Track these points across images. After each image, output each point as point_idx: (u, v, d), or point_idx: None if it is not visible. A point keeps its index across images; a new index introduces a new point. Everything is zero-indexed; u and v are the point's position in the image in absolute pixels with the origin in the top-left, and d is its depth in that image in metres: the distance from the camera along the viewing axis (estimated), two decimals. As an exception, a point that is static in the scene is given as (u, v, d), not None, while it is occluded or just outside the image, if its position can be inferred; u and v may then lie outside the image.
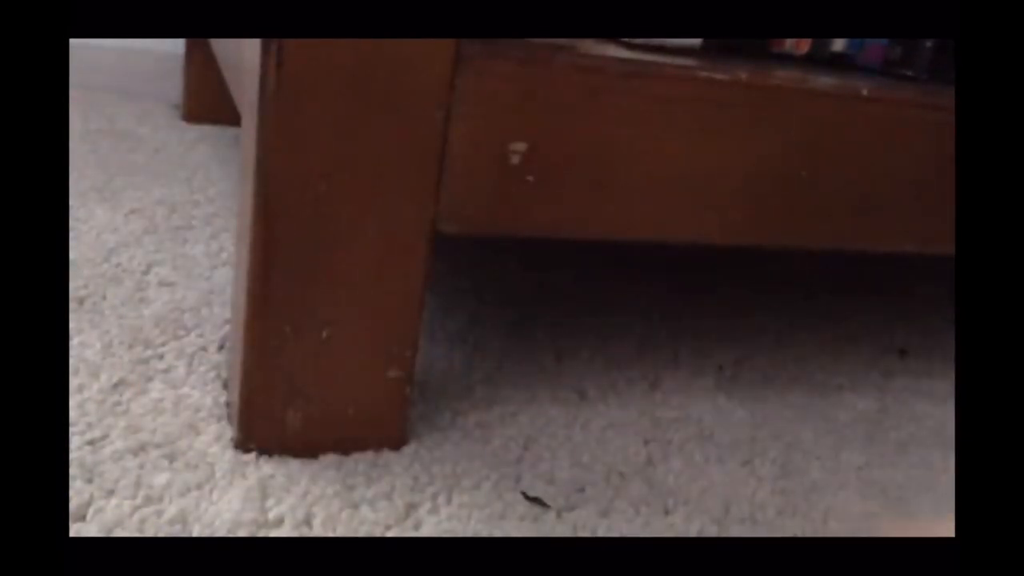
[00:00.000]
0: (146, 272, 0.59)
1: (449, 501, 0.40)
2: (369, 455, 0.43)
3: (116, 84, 1.06)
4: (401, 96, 0.37)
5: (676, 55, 0.45)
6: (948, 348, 0.68)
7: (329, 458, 0.42)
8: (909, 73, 0.63)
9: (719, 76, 0.41)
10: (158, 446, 0.40)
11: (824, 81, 0.44)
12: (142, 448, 0.40)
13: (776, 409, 0.54)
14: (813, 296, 0.75)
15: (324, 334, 0.40)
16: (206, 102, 0.98)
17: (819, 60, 0.59)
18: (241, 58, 0.42)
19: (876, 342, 0.67)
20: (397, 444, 0.44)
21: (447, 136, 0.38)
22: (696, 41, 0.47)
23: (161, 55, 1.07)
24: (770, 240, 0.46)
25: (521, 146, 0.40)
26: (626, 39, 0.46)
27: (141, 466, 0.39)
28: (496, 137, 0.39)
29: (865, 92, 0.44)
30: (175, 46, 1.01)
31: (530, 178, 0.41)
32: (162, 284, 0.57)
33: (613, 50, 0.45)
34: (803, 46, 0.61)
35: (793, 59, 0.59)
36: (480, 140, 0.39)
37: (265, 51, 0.34)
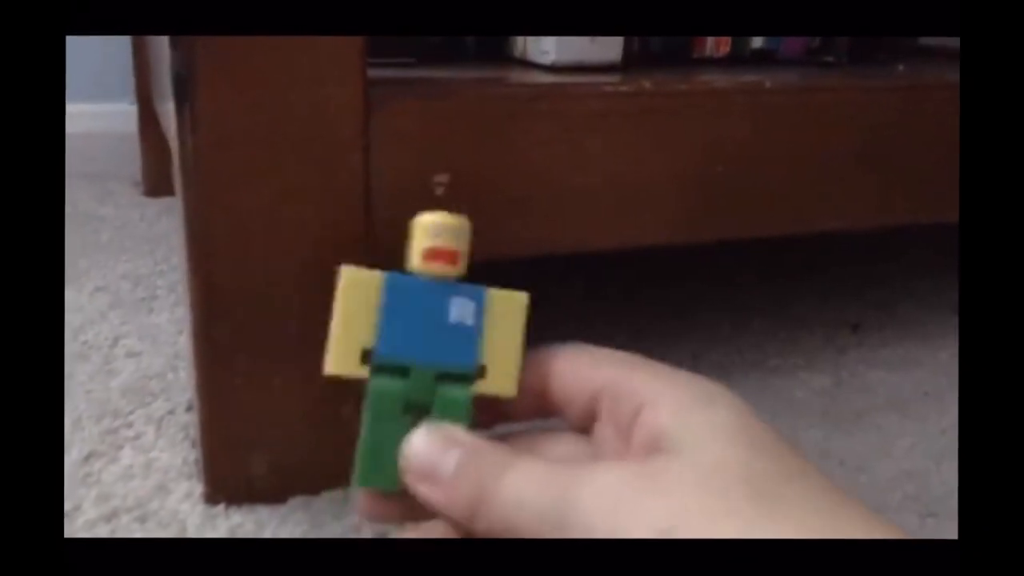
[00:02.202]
0: (113, 345, 0.60)
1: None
2: (339, 492, 0.44)
3: (77, 169, 1.08)
4: (318, 148, 0.38)
5: (597, 73, 0.47)
6: (900, 318, 0.70)
7: (298, 500, 0.43)
8: (830, 59, 0.65)
9: (624, 88, 0.43)
10: (129, 510, 0.42)
11: (726, 80, 0.46)
12: (114, 514, 0.41)
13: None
14: (762, 284, 0.76)
15: (275, 381, 0.41)
16: (165, 176, 0.99)
17: (741, 59, 0.62)
18: (169, 127, 0.44)
19: (828, 320, 0.68)
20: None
21: (369, 179, 0.40)
22: (616, 56, 0.49)
23: (118, 136, 1.09)
24: (698, 236, 0.47)
25: (444, 177, 0.42)
26: (547, 64, 0.48)
27: (113, 532, 0.40)
28: (417, 173, 0.41)
29: (768, 84, 0.46)
30: (130, 126, 1.03)
31: (457, 206, 0.42)
32: (129, 355, 0.58)
33: (533, 75, 0.47)
34: (723, 47, 0.63)
35: (715, 61, 0.61)
36: (402, 178, 0.41)
37: (179, 117, 0.36)
